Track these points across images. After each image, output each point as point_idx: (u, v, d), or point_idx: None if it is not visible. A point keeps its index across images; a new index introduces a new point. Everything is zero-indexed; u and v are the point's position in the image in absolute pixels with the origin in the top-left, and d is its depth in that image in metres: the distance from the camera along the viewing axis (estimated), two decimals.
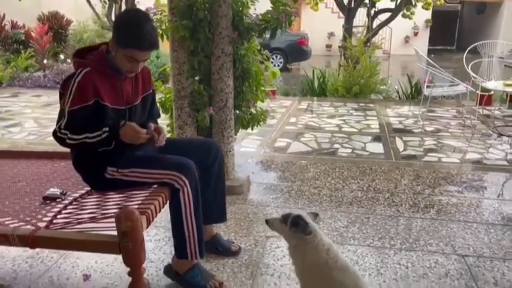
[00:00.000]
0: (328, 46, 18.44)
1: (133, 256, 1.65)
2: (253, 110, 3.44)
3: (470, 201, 3.16)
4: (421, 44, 16.90)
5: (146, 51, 1.97)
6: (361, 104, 6.65)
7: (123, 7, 10.76)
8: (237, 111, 3.35)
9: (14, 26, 10.53)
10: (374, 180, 3.55)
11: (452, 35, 21.15)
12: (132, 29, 1.93)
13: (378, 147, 4.54)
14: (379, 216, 2.91)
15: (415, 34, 18.35)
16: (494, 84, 5.29)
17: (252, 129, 3.56)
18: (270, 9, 3.00)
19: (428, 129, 5.25)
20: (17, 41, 10.03)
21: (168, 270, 2.21)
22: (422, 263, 2.37)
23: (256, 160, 4.06)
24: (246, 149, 4.43)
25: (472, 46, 6.16)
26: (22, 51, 9.07)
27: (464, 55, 6.03)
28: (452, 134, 5.02)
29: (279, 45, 12.91)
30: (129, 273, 1.69)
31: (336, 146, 4.58)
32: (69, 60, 9.57)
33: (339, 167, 3.84)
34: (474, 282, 2.21)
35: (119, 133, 1.98)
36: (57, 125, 1.98)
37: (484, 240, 2.62)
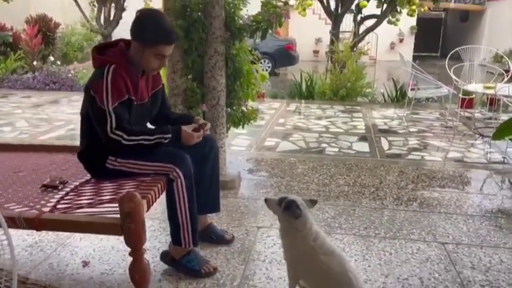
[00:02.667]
0: (316, 52, 18.70)
1: (135, 237, 1.76)
2: (244, 109, 3.57)
3: (451, 195, 3.33)
4: (406, 50, 17.23)
5: (173, 44, 2.10)
6: (347, 107, 6.83)
7: (112, 11, 10.84)
8: (229, 109, 3.48)
9: (1, 28, 10.52)
10: (360, 176, 3.70)
11: (436, 42, 21.61)
12: (158, 26, 2.05)
13: (363, 147, 4.70)
14: (364, 209, 3.05)
15: (401, 41, 18.72)
16: (475, 87, 5.51)
17: (243, 127, 3.69)
18: (261, 10, 3.14)
19: (412, 130, 5.44)
20: (5, 43, 10.03)
21: (165, 256, 2.31)
22: (405, 249, 2.52)
23: (246, 158, 4.19)
24: (236, 148, 4.55)
25: (454, 51, 6.39)
26: (11, 53, 9.07)
27: (447, 60, 6.25)
28: (435, 135, 5.21)
29: (267, 50, 13.08)
30: (131, 254, 1.80)
31: (323, 145, 4.73)
32: (58, 62, 9.61)
33: (326, 165, 3.98)
34: (453, 266, 2.36)
35: (180, 138, 2.12)
36: (105, 127, 1.98)
37: (463, 229, 2.78)
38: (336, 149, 4.58)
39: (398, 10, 10.67)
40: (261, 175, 3.73)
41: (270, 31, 3.17)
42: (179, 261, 2.23)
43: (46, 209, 1.90)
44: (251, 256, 2.43)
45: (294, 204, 1.84)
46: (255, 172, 3.81)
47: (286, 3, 3.06)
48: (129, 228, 1.73)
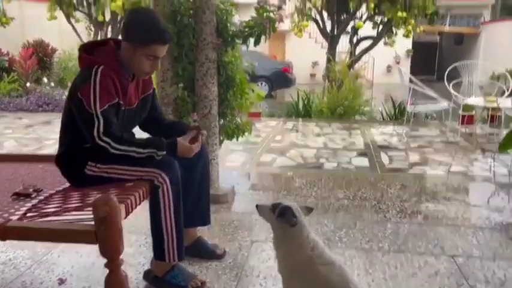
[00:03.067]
0: (312, 75, 18.75)
1: (110, 245, 1.56)
2: (238, 120, 3.41)
3: (457, 208, 3.14)
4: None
5: (166, 45, 1.94)
6: (345, 125, 6.69)
7: (109, 35, 10.84)
8: (222, 120, 3.32)
9: None
10: (360, 189, 3.51)
11: (432, 65, 21.72)
12: (151, 25, 1.90)
13: (363, 162, 4.53)
14: (366, 222, 2.86)
15: (397, 63, 18.79)
16: (476, 100, 5.38)
17: (238, 139, 3.52)
18: (254, 15, 3.02)
19: (412, 145, 5.28)
20: (1, 67, 9.96)
21: (147, 274, 2.11)
22: (411, 263, 2.32)
23: (241, 173, 4.01)
24: (230, 164, 4.37)
25: (452, 66, 6.30)
26: (5, 75, 8.98)
27: (445, 77, 6.14)
28: (436, 150, 5.04)
29: (265, 73, 13.05)
30: (106, 265, 1.60)
31: (322, 160, 4.56)
32: (52, 84, 9.52)
33: (325, 178, 3.80)
34: (465, 280, 2.15)
35: (175, 152, 1.98)
36: (92, 132, 1.82)
37: (472, 242, 2.58)
38: (335, 164, 4.41)
39: (394, 32, 10.73)
40: (256, 189, 3.55)
41: (263, 37, 3.04)
42: (162, 278, 2.03)
43: (14, 217, 1.71)
44: (244, 271, 2.22)
45: (289, 211, 1.66)
46: (250, 187, 3.62)
47: (280, 8, 2.93)
48: (104, 235, 1.54)
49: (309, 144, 5.36)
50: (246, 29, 3.03)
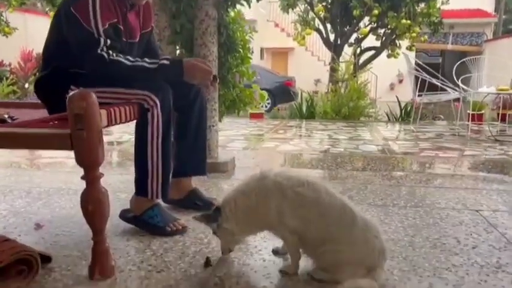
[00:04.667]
0: (315, 92, 18.64)
1: (88, 150, 1.33)
2: (238, 90, 3.21)
3: (477, 175, 2.90)
4: (406, 91, 17.18)
5: None
6: (351, 124, 6.48)
7: None
8: (220, 92, 3.12)
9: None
10: (369, 164, 3.28)
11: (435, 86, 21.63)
12: None
13: (371, 148, 4.29)
14: (378, 186, 2.62)
15: (400, 81, 18.71)
16: (487, 90, 5.19)
17: (238, 113, 3.33)
18: None
19: (422, 137, 5.05)
20: (1, 78, 9.87)
21: (125, 213, 1.86)
22: (431, 215, 2.07)
23: (242, 154, 3.78)
24: (230, 149, 4.14)
25: (460, 61, 6.13)
26: (4, 79, 8.88)
27: (454, 70, 5.97)
28: (448, 140, 4.82)
29: (267, 87, 12.91)
30: (83, 176, 1.37)
31: (327, 147, 4.33)
32: None
33: (332, 157, 3.57)
34: (493, 228, 1.90)
35: (182, 71, 1.74)
36: (94, 52, 1.61)
37: (497, 200, 2.34)
38: (341, 149, 4.18)
39: (398, 44, 10.68)
40: (258, 162, 3.32)
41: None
42: (140, 217, 1.79)
43: None
44: None
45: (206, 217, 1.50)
46: (251, 161, 3.39)
47: None
48: (80, 137, 1.32)
49: (314, 135, 5.15)
50: None
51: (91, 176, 1.37)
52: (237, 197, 1.46)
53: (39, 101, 1.89)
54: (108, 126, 1.48)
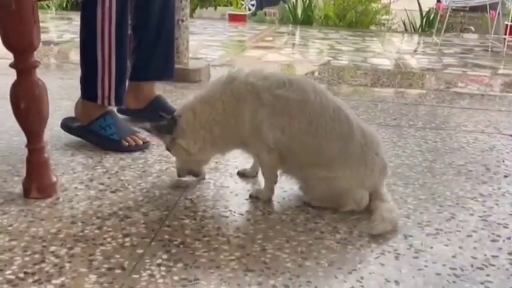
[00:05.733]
0: None
1: (18, 28, 1.25)
2: None
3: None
4: None
5: None
6: (357, 33, 6.39)
7: None
8: None
9: None
10: (380, 79, 3.27)
11: None
12: None
13: (383, 61, 4.26)
14: (390, 104, 2.62)
15: None
16: None
17: (216, 7, 3.22)
18: None
19: (447, 51, 5.03)
20: None
21: (68, 122, 1.82)
22: (456, 139, 2.09)
23: (219, 63, 3.71)
24: (204, 56, 4.06)
25: None
26: None
27: None
28: (477, 57, 4.82)
29: None
30: (13, 65, 1.29)
31: (328, 58, 4.28)
32: None
33: (332, 70, 3.55)
34: None
35: None
36: None
37: None
38: (345, 61, 4.14)
39: None
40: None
41: None
42: (88, 127, 1.75)
43: None
44: None
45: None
46: (230, 68, 3.33)
47: None
48: (8, 9, 1.23)
49: (311, 45, 5.09)
50: None
51: (23, 64, 1.30)
52: (197, 106, 1.40)
53: None
54: None
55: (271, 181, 1.42)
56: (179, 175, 1.50)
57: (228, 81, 1.38)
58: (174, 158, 1.56)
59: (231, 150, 1.50)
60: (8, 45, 1.29)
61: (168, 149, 1.46)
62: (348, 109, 1.38)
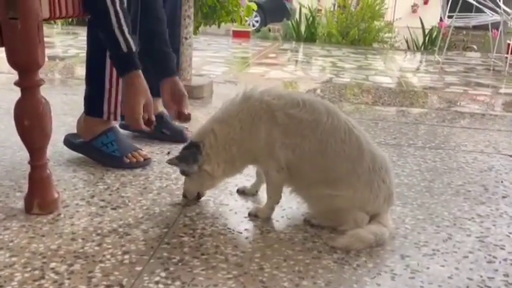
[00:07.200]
0: (319, 11, 18.36)
1: (24, 46, 1.28)
2: None
3: None
4: (432, 14, 17.01)
5: None
6: (360, 50, 6.44)
7: None
8: None
9: None
10: (381, 97, 3.29)
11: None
12: None
13: (385, 79, 4.29)
14: (391, 122, 2.64)
15: (425, 2, 18.49)
16: None
17: (219, 25, 3.26)
18: None
19: (448, 70, 5.06)
20: None
21: (71, 139, 1.84)
22: (455, 159, 2.10)
23: (222, 80, 3.74)
24: (206, 72, 4.09)
25: None
26: None
27: None
28: (479, 75, 4.84)
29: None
30: (18, 83, 1.32)
31: (330, 76, 4.31)
32: None
33: (334, 88, 3.57)
34: None
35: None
36: None
37: None
38: (347, 79, 4.16)
39: None
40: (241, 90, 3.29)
41: None
42: (91, 144, 1.77)
43: None
44: None
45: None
46: (233, 88, 3.36)
47: None
48: (14, 28, 1.26)
49: (313, 62, 5.12)
50: None
51: (28, 82, 1.32)
52: (216, 127, 1.40)
53: None
54: (50, 18, 1.42)
55: (275, 200, 1.44)
56: (186, 196, 1.51)
57: (243, 99, 1.39)
58: (175, 175, 1.57)
59: (244, 168, 1.50)
60: (13, 64, 1.31)
61: (185, 174, 1.45)
62: (361, 132, 1.38)
